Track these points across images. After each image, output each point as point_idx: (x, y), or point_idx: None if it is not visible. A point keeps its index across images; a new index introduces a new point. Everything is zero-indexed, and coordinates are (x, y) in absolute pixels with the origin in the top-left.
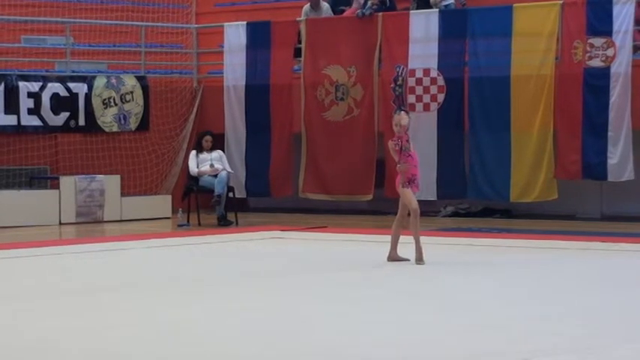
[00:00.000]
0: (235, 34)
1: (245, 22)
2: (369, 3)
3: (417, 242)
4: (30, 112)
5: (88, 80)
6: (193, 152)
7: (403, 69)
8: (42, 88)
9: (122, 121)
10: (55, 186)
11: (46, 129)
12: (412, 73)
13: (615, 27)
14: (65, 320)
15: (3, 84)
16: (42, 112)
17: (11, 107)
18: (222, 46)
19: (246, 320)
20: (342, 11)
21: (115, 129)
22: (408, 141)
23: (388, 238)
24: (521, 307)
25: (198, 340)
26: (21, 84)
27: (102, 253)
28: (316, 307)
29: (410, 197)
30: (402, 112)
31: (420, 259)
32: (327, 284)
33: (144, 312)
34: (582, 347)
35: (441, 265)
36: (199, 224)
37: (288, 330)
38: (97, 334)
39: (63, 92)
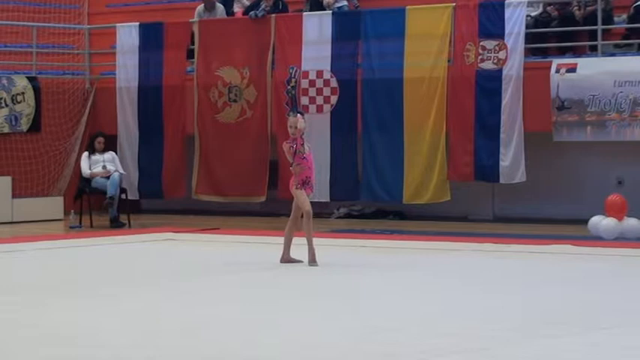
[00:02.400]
0: (128, 35)
1: (137, 23)
2: (263, 4)
3: (310, 244)
4: None
5: None
6: (85, 154)
7: (296, 70)
8: None
9: (13, 122)
10: None
11: None
12: (305, 74)
13: (507, 29)
14: None
15: None
16: None
17: None
18: (115, 47)
19: (135, 323)
20: (233, 13)
21: (5, 130)
22: (302, 145)
23: (281, 239)
24: (414, 308)
25: (89, 342)
26: None
27: None
28: (208, 309)
29: (303, 199)
30: (299, 114)
31: (312, 261)
32: (219, 286)
33: (33, 314)
34: (474, 347)
35: (334, 267)
36: (92, 226)
37: (179, 332)
38: None
39: None
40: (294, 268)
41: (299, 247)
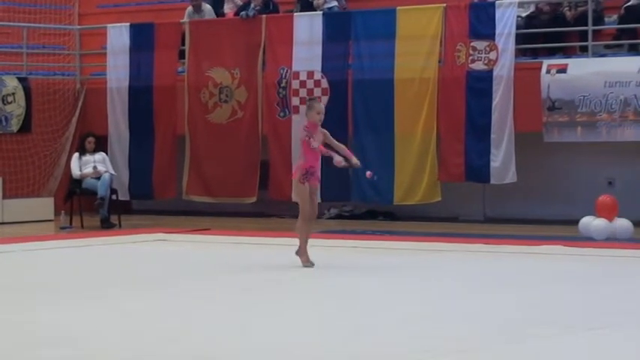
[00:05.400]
0: (118, 36)
1: (128, 24)
2: (252, 4)
3: (303, 243)
4: None
5: None
6: (76, 155)
7: (287, 71)
8: None
9: (3, 123)
10: None
11: None
12: (296, 75)
13: (498, 30)
14: None
15: None
16: None
17: None
18: (106, 48)
19: (126, 325)
20: (223, 14)
21: None
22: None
23: (272, 240)
24: (405, 309)
25: (77, 343)
26: None
27: None
28: (198, 310)
29: (303, 198)
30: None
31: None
32: (209, 287)
33: (23, 315)
34: (469, 348)
35: (326, 268)
36: (82, 227)
37: (169, 334)
38: None
39: None
40: (287, 269)
41: (311, 249)
